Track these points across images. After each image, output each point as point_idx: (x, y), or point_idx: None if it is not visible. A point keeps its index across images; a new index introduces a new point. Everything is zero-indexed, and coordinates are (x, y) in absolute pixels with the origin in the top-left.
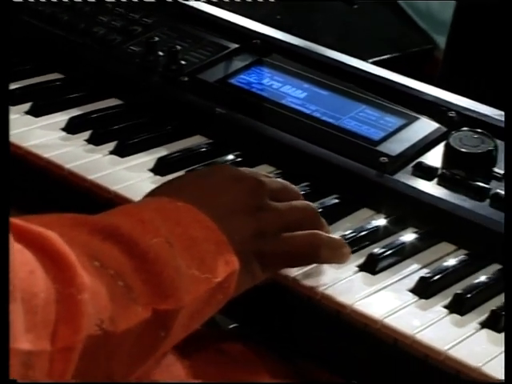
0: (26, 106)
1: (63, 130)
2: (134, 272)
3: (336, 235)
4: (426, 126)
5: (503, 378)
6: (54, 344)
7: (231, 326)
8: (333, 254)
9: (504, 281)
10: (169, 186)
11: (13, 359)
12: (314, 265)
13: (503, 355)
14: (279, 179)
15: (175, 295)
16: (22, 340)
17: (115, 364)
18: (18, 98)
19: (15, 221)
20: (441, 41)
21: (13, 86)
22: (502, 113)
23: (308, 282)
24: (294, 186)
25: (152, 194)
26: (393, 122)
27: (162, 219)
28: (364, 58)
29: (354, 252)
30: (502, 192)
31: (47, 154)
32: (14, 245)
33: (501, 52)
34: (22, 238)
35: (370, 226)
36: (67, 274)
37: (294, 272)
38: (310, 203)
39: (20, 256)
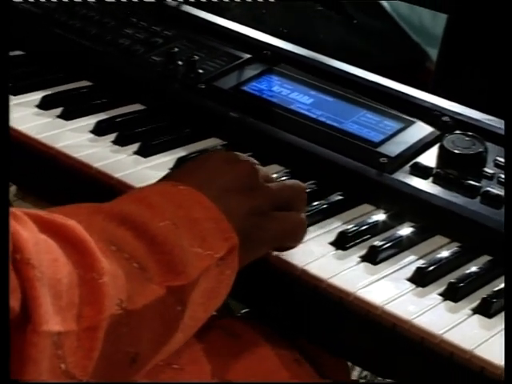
0: (58, 110)
1: (91, 132)
2: (147, 254)
3: (340, 229)
4: (421, 129)
5: (493, 359)
6: (79, 324)
7: (243, 311)
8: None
9: (505, 282)
10: (173, 173)
11: (44, 340)
12: (321, 256)
13: (493, 339)
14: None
15: (185, 272)
16: (52, 322)
17: (139, 342)
18: (50, 103)
19: (39, 213)
20: (432, 53)
21: (46, 93)
22: (491, 117)
23: (315, 272)
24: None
25: (161, 179)
26: (391, 125)
27: (167, 203)
28: (364, 68)
29: (356, 244)
30: (492, 190)
31: (77, 154)
32: (39, 235)
33: (490, 62)
34: (46, 229)
35: (370, 221)
36: (88, 259)
37: (302, 263)
38: (299, 182)
39: (44, 245)
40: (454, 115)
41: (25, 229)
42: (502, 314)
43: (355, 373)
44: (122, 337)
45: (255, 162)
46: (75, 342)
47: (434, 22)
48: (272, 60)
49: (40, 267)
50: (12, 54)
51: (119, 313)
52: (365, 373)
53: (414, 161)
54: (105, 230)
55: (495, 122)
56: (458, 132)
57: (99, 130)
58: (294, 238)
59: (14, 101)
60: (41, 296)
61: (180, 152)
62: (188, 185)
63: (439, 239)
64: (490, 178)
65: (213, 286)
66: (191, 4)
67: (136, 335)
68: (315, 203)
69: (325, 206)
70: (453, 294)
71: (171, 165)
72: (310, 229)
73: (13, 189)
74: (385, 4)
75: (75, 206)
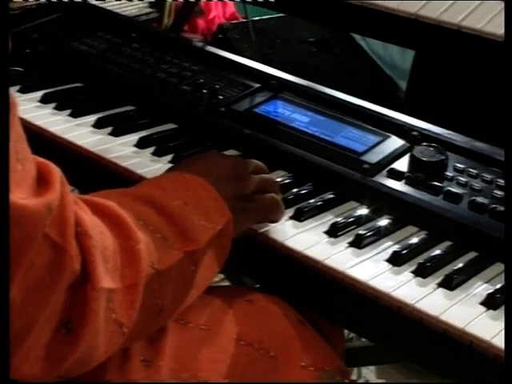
0: (109, 129)
1: (135, 146)
2: (167, 226)
3: (332, 221)
4: (395, 142)
5: (455, 323)
6: (123, 282)
7: (256, 287)
8: (281, 214)
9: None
10: (180, 165)
11: (101, 295)
12: (317, 243)
13: (455, 307)
14: (255, 160)
15: (196, 239)
16: (105, 281)
17: (165, 296)
18: (103, 123)
19: (86, 197)
20: (401, 83)
21: (99, 115)
22: (451, 132)
23: (312, 255)
24: (262, 164)
25: (168, 171)
26: (372, 139)
27: (177, 187)
28: (350, 94)
29: (345, 233)
30: (452, 189)
31: (124, 163)
32: (91, 214)
33: (448, 89)
34: (92, 208)
35: (356, 214)
36: (125, 231)
37: (302, 248)
38: (273, 177)
39: (93, 222)
40: (421, 131)
41: (81, 210)
42: (462, 286)
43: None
44: (153, 292)
45: (245, 159)
46: (121, 297)
47: (403, 59)
48: (277, 88)
49: (95, 237)
50: (72, 85)
51: (152, 272)
52: (351, 335)
53: (390, 167)
54: (133, 209)
55: (454, 136)
56: (424, 144)
57: (141, 144)
58: (272, 213)
59: (75, 122)
60: (97, 260)
61: None
62: (192, 173)
63: (410, 228)
64: (451, 179)
65: (215, 251)
66: (213, 45)
67: (163, 290)
68: (312, 200)
69: (320, 203)
70: (422, 272)
71: None
72: (308, 221)
73: (75, 192)
74: (364, 46)
75: (108, 191)
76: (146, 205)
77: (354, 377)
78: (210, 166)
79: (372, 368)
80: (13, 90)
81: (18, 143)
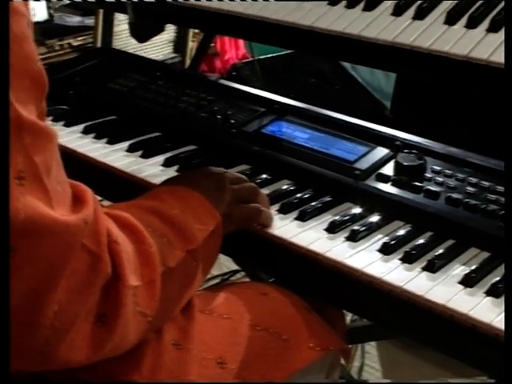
0: (139, 152)
1: (162, 165)
2: (170, 232)
3: (330, 219)
4: (381, 151)
5: (438, 300)
6: (143, 280)
7: (270, 280)
8: (264, 220)
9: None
10: (172, 179)
11: (129, 291)
12: (318, 238)
13: (437, 287)
14: (237, 173)
15: (194, 240)
16: (131, 279)
17: (172, 289)
18: (134, 148)
19: (105, 210)
20: (387, 104)
21: (131, 142)
22: (428, 140)
23: (315, 249)
24: (241, 175)
25: (162, 184)
26: (362, 149)
27: (173, 198)
28: (344, 114)
29: (342, 229)
30: (431, 188)
31: (153, 181)
32: (115, 225)
33: (424, 106)
34: (112, 220)
35: (350, 213)
36: (140, 238)
37: (306, 243)
38: (255, 185)
39: (116, 231)
40: (402, 140)
41: (109, 222)
42: (442, 269)
43: (348, 317)
44: (165, 286)
45: (226, 173)
46: (144, 292)
47: (387, 84)
48: (281, 111)
49: (121, 244)
50: (108, 118)
51: (164, 270)
52: (355, 317)
53: (378, 172)
54: (141, 218)
55: (430, 143)
56: (406, 151)
57: (167, 164)
58: (253, 220)
59: (111, 148)
60: (125, 263)
61: None
62: (184, 186)
63: (397, 223)
64: (429, 180)
65: (210, 248)
66: (225, 78)
67: (171, 284)
68: (313, 203)
69: (319, 205)
70: (408, 259)
71: None
72: (310, 221)
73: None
74: (354, 74)
75: (117, 205)
76: (151, 214)
77: (358, 352)
78: (198, 180)
79: (373, 343)
80: (58, 125)
81: (58, 169)
